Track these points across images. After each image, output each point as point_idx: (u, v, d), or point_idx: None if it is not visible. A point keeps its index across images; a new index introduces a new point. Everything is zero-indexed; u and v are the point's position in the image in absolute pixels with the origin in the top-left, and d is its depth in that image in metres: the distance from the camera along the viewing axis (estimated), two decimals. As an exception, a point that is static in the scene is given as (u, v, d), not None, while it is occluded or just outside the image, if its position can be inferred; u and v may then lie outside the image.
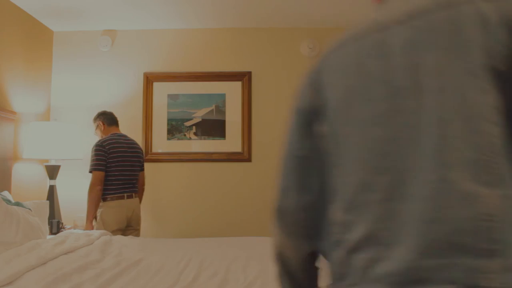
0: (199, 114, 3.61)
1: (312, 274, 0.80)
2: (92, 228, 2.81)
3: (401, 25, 0.64)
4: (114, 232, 2.83)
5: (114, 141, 2.92)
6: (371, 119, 0.64)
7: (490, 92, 0.56)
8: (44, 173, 3.43)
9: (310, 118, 0.75)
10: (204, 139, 3.59)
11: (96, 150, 2.85)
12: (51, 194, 3.16)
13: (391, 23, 0.66)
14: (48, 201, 2.85)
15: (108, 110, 3.22)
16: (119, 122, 3.22)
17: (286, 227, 0.78)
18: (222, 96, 3.61)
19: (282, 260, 0.81)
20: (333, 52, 0.74)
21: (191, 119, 3.61)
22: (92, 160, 2.83)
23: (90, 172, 2.83)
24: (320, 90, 0.73)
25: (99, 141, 2.91)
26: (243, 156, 3.55)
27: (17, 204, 2.35)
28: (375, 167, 0.63)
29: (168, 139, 3.60)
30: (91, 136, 3.44)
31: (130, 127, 3.51)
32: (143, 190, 3.22)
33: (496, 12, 0.57)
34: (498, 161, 0.55)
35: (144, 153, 3.53)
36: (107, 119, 3.07)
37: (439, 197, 0.55)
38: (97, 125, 3.07)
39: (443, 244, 0.54)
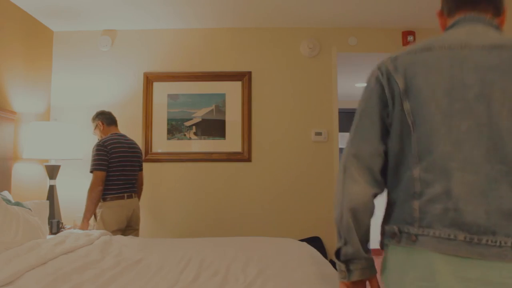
0: (199, 114, 3.61)
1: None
2: (88, 228, 2.80)
3: (483, 50, 0.93)
4: (114, 232, 2.83)
5: (115, 141, 2.92)
6: (456, 113, 0.92)
7: None
8: (44, 173, 3.43)
9: (395, 94, 1.00)
10: (204, 139, 3.59)
11: (97, 150, 2.84)
12: (51, 194, 3.16)
13: (473, 46, 0.95)
14: (48, 201, 2.85)
15: (108, 110, 3.22)
16: (119, 122, 3.22)
17: (360, 167, 1.00)
18: (222, 96, 3.61)
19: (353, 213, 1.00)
20: (419, 53, 1.01)
21: (191, 119, 3.61)
22: (94, 160, 2.83)
23: (91, 172, 2.83)
24: (408, 77, 0.99)
25: (100, 141, 2.90)
26: (243, 156, 3.55)
27: (17, 204, 2.35)
28: (458, 142, 0.90)
29: (168, 139, 3.60)
30: (91, 136, 3.44)
31: (130, 127, 3.51)
32: (141, 190, 3.22)
33: None
34: None
35: (143, 153, 3.54)
36: (106, 118, 3.07)
37: (507, 182, 0.87)
38: (96, 125, 3.06)
39: (509, 212, 0.86)
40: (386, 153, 1.02)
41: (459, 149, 0.90)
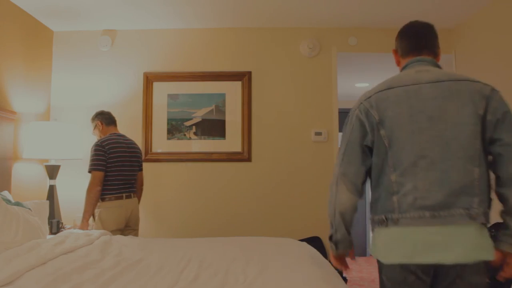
0: (199, 114, 3.61)
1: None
2: (88, 228, 2.80)
3: (430, 83, 1.36)
4: (113, 232, 2.82)
5: (113, 141, 2.91)
6: (417, 128, 1.34)
7: (478, 123, 1.31)
8: (44, 173, 3.43)
9: (373, 125, 1.39)
10: (204, 139, 3.59)
11: (95, 150, 2.84)
12: (51, 194, 3.16)
13: (423, 82, 1.38)
14: (48, 201, 2.85)
15: (108, 110, 3.22)
16: (119, 122, 3.22)
17: (347, 182, 1.43)
18: (222, 96, 3.61)
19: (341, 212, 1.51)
20: (384, 91, 1.42)
21: (191, 119, 3.61)
22: (92, 160, 2.83)
23: (90, 172, 2.83)
24: (380, 111, 1.39)
25: (98, 141, 2.90)
26: (243, 156, 3.55)
27: (17, 204, 2.35)
28: (419, 155, 1.33)
29: (168, 139, 3.60)
30: (91, 136, 3.44)
31: (130, 127, 3.51)
32: (141, 190, 3.21)
33: (485, 89, 1.33)
34: (479, 155, 1.31)
35: (143, 153, 3.53)
36: (105, 118, 3.06)
37: (454, 170, 1.30)
38: (95, 125, 3.06)
39: (459, 189, 1.29)
40: (366, 171, 1.45)
41: (421, 157, 1.33)
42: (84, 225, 2.78)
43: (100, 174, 2.80)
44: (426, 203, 1.30)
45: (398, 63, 1.57)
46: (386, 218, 1.38)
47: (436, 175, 1.31)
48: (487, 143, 1.34)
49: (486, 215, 1.34)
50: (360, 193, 1.46)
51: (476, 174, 1.31)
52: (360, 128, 1.42)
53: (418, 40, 1.50)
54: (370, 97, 1.44)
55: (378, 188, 1.42)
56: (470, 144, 1.31)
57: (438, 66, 1.47)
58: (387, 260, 1.38)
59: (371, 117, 1.40)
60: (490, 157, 1.36)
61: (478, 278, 1.29)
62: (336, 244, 1.57)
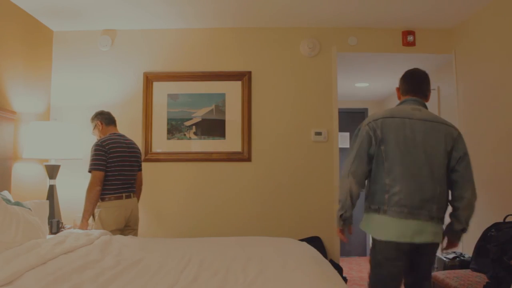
0: (199, 113, 3.61)
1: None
2: (87, 228, 2.80)
3: (420, 120, 1.96)
4: (113, 232, 2.82)
5: (113, 141, 2.91)
6: (406, 150, 1.93)
7: (446, 156, 1.96)
8: (44, 173, 3.43)
9: (377, 140, 1.96)
10: (204, 138, 3.59)
11: (96, 150, 2.84)
12: (51, 193, 3.16)
13: (415, 118, 1.97)
14: (48, 201, 2.85)
15: (108, 110, 3.21)
16: (119, 122, 3.22)
17: (356, 177, 1.98)
18: (222, 96, 3.61)
19: (350, 193, 2.00)
20: (388, 118, 1.98)
21: (191, 118, 3.61)
22: (92, 160, 2.83)
23: (90, 171, 2.83)
24: (383, 132, 1.96)
25: (98, 140, 2.90)
26: (243, 156, 3.55)
27: (17, 203, 2.35)
28: (406, 167, 1.92)
29: (168, 138, 3.60)
30: (91, 136, 3.44)
31: (130, 127, 3.51)
32: (140, 190, 3.21)
33: (454, 132, 1.99)
34: (442, 179, 1.96)
35: (143, 153, 3.54)
36: (105, 118, 3.06)
37: (426, 185, 1.92)
38: (95, 125, 3.06)
39: (427, 199, 1.92)
40: (369, 171, 2.03)
41: (406, 170, 1.92)
42: (84, 225, 2.78)
43: (100, 174, 2.80)
44: (406, 203, 1.92)
45: (399, 98, 2.18)
46: (379, 208, 1.98)
47: (415, 185, 1.92)
48: (449, 171, 1.99)
49: (441, 217, 1.99)
50: (363, 185, 2.06)
51: (438, 191, 1.95)
52: (368, 141, 2.00)
53: (415, 85, 2.11)
54: (377, 119, 2.02)
55: (375, 185, 2.01)
56: (438, 171, 1.95)
57: (426, 107, 2.08)
58: (380, 237, 1.99)
59: (377, 135, 1.99)
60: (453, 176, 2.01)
61: (434, 251, 2.07)
62: (344, 220, 2.06)
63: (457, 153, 1.97)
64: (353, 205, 2.02)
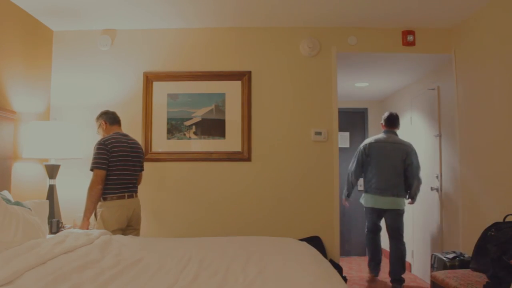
0: (199, 113, 3.61)
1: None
2: (88, 227, 2.80)
3: (390, 143, 3.99)
4: (114, 232, 2.82)
5: (116, 140, 2.92)
6: (380, 160, 3.98)
7: (402, 166, 3.94)
8: (43, 173, 3.43)
9: (366, 155, 4.04)
10: (204, 138, 3.59)
11: (98, 148, 2.84)
12: (51, 193, 3.16)
13: (388, 142, 4.01)
14: (47, 201, 2.85)
15: (109, 109, 3.22)
16: (119, 122, 3.22)
17: (355, 174, 4.09)
18: (222, 96, 3.61)
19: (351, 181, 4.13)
20: (373, 143, 4.03)
21: (190, 118, 3.61)
22: (94, 159, 2.83)
23: (92, 170, 2.82)
24: (370, 150, 4.02)
25: (101, 139, 2.90)
26: (243, 156, 3.55)
27: (17, 203, 2.35)
28: (379, 168, 3.99)
29: (168, 138, 3.60)
30: (91, 136, 3.44)
31: (130, 127, 3.51)
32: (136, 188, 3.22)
33: (407, 147, 3.97)
34: (400, 174, 3.94)
35: (144, 153, 3.53)
36: (109, 118, 3.07)
37: (390, 178, 3.95)
38: (100, 124, 3.06)
39: (390, 185, 3.93)
40: (363, 171, 4.09)
41: (381, 171, 3.95)
42: (84, 224, 2.78)
43: (102, 173, 2.81)
44: (378, 187, 3.92)
45: (383, 128, 4.12)
46: (366, 190, 4.04)
47: (384, 178, 3.91)
48: (404, 171, 3.91)
49: (400, 194, 3.88)
50: (359, 178, 4.10)
51: (398, 181, 3.89)
52: (362, 156, 4.03)
53: (390, 123, 4.07)
54: (367, 144, 4.02)
55: (365, 178, 4.05)
56: (397, 170, 3.90)
57: (396, 134, 4.06)
58: (367, 205, 4.06)
59: (366, 152, 4.00)
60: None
61: (395, 214, 3.92)
62: (348, 195, 4.13)
63: (408, 162, 3.90)
64: (352, 188, 4.11)
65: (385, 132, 4.04)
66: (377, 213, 4.03)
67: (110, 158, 2.85)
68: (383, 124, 4.09)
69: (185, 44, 3.66)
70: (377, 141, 3.98)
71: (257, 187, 3.55)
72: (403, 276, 3.93)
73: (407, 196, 4.00)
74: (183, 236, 3.41)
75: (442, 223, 3.92)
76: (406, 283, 4.16)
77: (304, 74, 3.62)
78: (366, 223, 4.20)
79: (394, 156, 3.88)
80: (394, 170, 3.88)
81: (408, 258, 4.76)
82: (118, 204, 2.87)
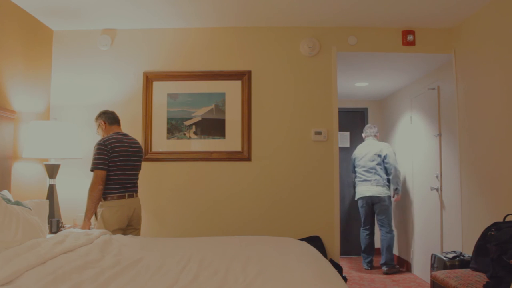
0: (199, 113, 3.61)
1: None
2: (90, 227, 2.80)
3: (370, 146, 4.91)
4: (115, 232, 2.82)
5: (116, 140, 2.91)
6: (365, 160, 4.86)
7: (380, 158, 4.79)
8: (43, 172, 3.43)
9: (355, 159, 4.99)
10: (204, 138, 3.59)
11: (98, 149, 2.84)
12: (51, 193, 3.16)
13: (368, 146, 4.93)
14: (47, 200, 2.85)
15: (108, 109, 3.22)
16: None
17: (352, 171, 5.11)
18: (222, 95, 3.61)
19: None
20: (357, 150, 5.01)
21: (190, 118, 3.61)
22: (94, 159, 2.83)
23: (92, 170, 2.82)
24: (357, 155, 4.98)
25: (101, 140, 2.90)
26: (243, 156, 3.55)
27: (17, 203, 2.35)
28: (362, 166, 4.88)
29: (168, 138, 3.60)
30: (91, 135, 3.44)
31: (130, 126, 3.51)
32: None
33: (384, 147, 4.81)
34: (381, 167, 4.80)
35: (143, 152, 3.53)
36: (108, 118, 3.07)
37: (372, 171, 4.79)
38: (99, 124, 3.06)
39: (371, 176, 4.80)
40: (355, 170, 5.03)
41: (360, 166, 4.87)
42: (86, 224, 2.78)
43: (102, 173, 2.81)
44: (365, 179, 4.79)
45: (364, 138, 5.08)
46: (355, 182, 4.99)
47: (366, 172, 4.78)
48: (384, 164, 4.76)
49: (384, 183, 4.72)
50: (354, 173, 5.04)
51: (379, 173, 4.75)
52: (353, 160, 5.03)
53: (372, 130, 5.00)
54: (356, 152, 5.00)
55: (357, 173, 4.94)
56: (372, 161, 4.76)
57: (376, 140, 4.99)
58: (358, 197, 4.89)
59: (355, 156, 5.00)
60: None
61: (383, 201, 4.69)
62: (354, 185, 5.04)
63: (386, 157, 4.71)
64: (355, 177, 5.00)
65: (367, 139, 5.02)
66: (365, 201, 4.97)
67: (110, 158, 2.85)
68: (364, 134, 5.11)
69: (185, 44, 3.66)
70: (360, 148, 5.05)
71: (257, 186, 3.55)
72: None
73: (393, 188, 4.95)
74: (183, 236, 3.41)
75: (442, 223, 3.91)
76: (406, 283, 4.17)
77: (304, 74, 3.62)
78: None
79: (373, 154, 4.90)
80: (374, 165, 4.92)
81: (408, 258, 4.76)
82: (118, 204, 2.87)
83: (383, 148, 4.77)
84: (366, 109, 5.90)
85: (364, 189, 4.77)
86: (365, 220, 4.86)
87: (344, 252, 5.45)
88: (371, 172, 4.74)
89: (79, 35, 3.66)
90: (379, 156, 4.74)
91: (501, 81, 2.88)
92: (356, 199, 4.91)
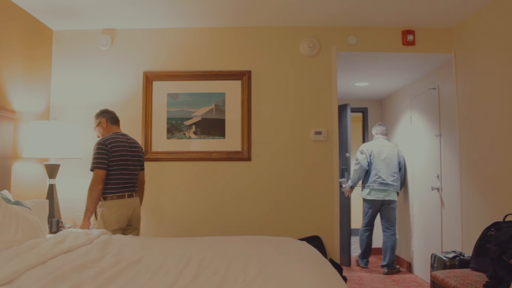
0: (199, 113, 3.61)
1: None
2: (89, 227, 2.80)
3: (385, 147, 4.82)
4: (115, 231, 2.82)
5: (116, 140, 2.91)
6: (384, 160, 4.70)
7: (397, 162, 4.79)
8: (43, 172, 3.43)
9: (372, 156, 4.78)
10: (204, 138, 3.59)
11: (98, 148, 2.84)
12: (51, 193, 3.16)
13: (385, 146, 4.83)
14: (47, 200, 2.85)
15: (108, 108, 3.22)
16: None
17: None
18: (222, 95, 3.61)
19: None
20: (371, 146, 4.81)
21: (190, 118, 3.61)
22: (94, 159, 2.83)
23: (92, 170, 2.82)
24: (374, 154, 4.76)
25: (101, 139, 2.90)
26: (243, 155, 3.55)
27: (17, 203, 2.35)
28: (378, 169, 4.70)
29: (168, 138, 3.60)
30: (91, 135, 3.44)
31: (130, 126, 3.51)
32: (143, 189, 3.22)
33: (398, 151, 4.82)
34: (397, 171, 4.77)
35: (144, 152, 3.54)
36: (110, 117, 3.08)
37: (388, 175, 4.70)
38: (99, 122, 3.06)
39: (390, 179, 4.68)
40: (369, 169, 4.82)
41: (381, 168, 4.66)
42: (85, 224, 2.78)
43: (102, 173, 2.81)
44: (388, 183, 4.64)
45: (373, 137, 5.04)
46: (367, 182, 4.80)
47: (386, 173, 4.65)
48: (398, 167, 4.75)
49: (399, 189, 4.69)
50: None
51: (396, 176, 4.67)
52: (368, 156, 4.77)
53: (381, 128, 4.94)
54: (366, 145, 4.84)
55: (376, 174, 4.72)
56: (395, 167, 4.69)
57: (387, 139, 4.93)
58: (372, 198, 4.70)
59: (369, 154, 4.75)
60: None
61: (393, 203, 4.68)
62: (352, 188, 4.82)
63: (402, 163, 4.80)
64: (358, 182, 4.82)
65: (377, 138, 4.96)
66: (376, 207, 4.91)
67: (110, 158, 2.85)
68: (374, 132, 5.04)
69: (185, 44, 3.66)
70: (373, 146, 4.88)
71: (257, 186, 3.55)
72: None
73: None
74: (183, 236, 3.41)
75: (442, 223, 3.91)
76: (406, 283, 4.17)
77: (304, 73, 3.62)
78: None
79: (390, 155, 4.85)
80: (391, 167, 4.86)
81: (408, 258, 4.76)
82: (118, 203, 2.87)
83: (400, 153, 4.79)
84: (366, 109, 5.90)
85: (383, 193, 4.61)
86: (369, 221, 4.77)
87: (344, 252, 5.44)
88: (394, 177, 4.64)
89: (79, 35, 3.66)
90: (400, 162, 4.74)
91: (501, 80, 2.88)
92: (368, 199, 4.70)
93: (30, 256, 1.76)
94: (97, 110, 3.20)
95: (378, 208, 4.70)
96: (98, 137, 3.08)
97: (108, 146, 2.86)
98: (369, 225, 4.79)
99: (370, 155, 4.70)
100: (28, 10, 3.24)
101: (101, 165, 2.81)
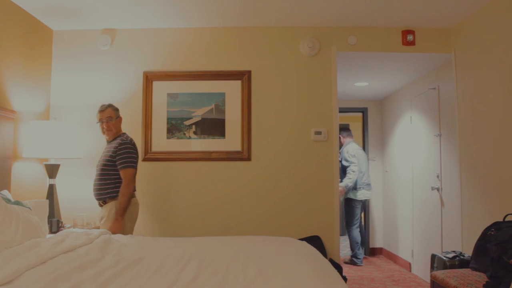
0: (199, 113, 3.61)
1: None
2: (122, 228, 2.80)
3: (359, 150, 5.31)
4: (132, 229, 3.00)
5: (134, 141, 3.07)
6: (364, 162, 5.27)
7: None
8: (43, 172, 3.43)
9: (359, 159, 5.20)
10: (204, 138, 3.59)
11: (129, 147, 2.94)
12: (51, 193, 3.16)
13: (363, 154, 5.40)
14: (47, 200, 2.85)
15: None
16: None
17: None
18: (222, 95, 3.61)
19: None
20: (355, 149, 5.30)
21: (190, 118, 3.61)
22: (127, 158, 2.90)
23: (123, 169, 2.88)
24: (358, 157, 5.18)
25: (127, 139, 3.00)
26: (243, 155, 3.55)
27: (17, 203, 2.35)
28: (364, 171, 5.18)
29: (168, 138, 3.60)
30: (91, 135, 3.45)
31: (130, 126, 3.50)
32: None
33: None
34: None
35: (143, 152, 3.56)
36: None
37: (368, 176, 5.34)
38: (119, 117, 3.10)
39: (370, 181, 5.34)
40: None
41: (365, 169, 5.18)
42: (119, 224, 2.79)
43: (134, 171, 2.96)
44: (368, 183, 5.17)
45: (344, 142, 5.36)
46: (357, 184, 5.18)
47: (369, 176, 5.26)
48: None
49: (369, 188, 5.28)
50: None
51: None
52: (356, 159, 5.19)
53: (350, 132, 5.43)
54: (356, 152, 5.20)
55: (361, 176, 5.21)
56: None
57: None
58: (363, 198, 5.17)
59: (356, 156, 5.16)
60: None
61: (368, 201, 5.61)
62: (348, 188, 5.00)
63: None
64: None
65: (349, 142, 5.34)
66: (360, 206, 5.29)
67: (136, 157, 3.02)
68: (346, 134, 5.38)
69: (185, 44, 3.66)
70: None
71: (257, 186, 3.55)
72: None
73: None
74: (183, 236, 3.41)
75: (442, 223, 3.91)
76: (406, 283, 4.17)
77: (304, 73, 3.62)
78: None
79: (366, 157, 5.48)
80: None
81: (408, 258, 4.76)
82: (136, 202, 3.05)
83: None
84: (366, 109, 5.90)
85: (368, 192, 5.21)
86: (359, 220, 5.23)
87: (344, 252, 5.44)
88: (369, 176, 5.29)
89: (79, 35, 3.66)
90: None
91: (501, 80, 2.88)
92: (360, 199, 5.16)
93: (30, 256, 1.76)
94: (110, 103, 3.19)
95: (364, 206, 5.39)
96: (107, 130, 3.00)
97: (135, 146, 3.01)
98: (357, 222, 5.22)
99: (359, 160, 5.17)
100: (28, 10, 3.24)
101: (135, 164, 2.95)
